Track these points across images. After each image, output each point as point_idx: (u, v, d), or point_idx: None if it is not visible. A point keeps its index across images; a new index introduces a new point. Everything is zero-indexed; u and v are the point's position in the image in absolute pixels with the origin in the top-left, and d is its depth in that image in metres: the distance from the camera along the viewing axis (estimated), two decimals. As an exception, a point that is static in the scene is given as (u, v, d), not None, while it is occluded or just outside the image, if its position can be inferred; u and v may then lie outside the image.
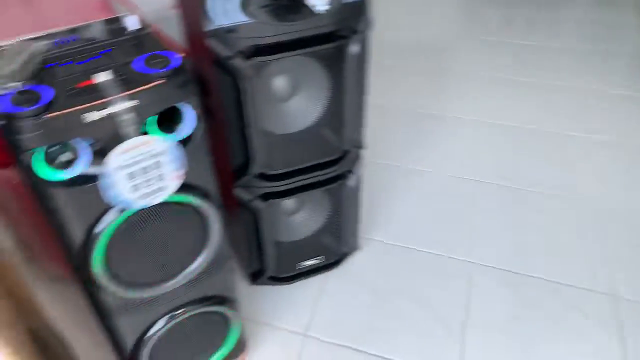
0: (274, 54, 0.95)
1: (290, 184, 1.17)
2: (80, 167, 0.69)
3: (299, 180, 1.18)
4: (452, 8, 3.06)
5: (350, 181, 1.26)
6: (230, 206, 1.21)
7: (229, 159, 1.12)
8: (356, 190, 1.31)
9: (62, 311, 1.29)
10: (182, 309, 0.96)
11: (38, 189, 0.69)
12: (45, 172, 0.68)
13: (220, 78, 0.98)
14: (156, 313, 0.94)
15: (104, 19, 0.79)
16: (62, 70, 0.69)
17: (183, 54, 0.73)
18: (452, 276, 1.43)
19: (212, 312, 1.02)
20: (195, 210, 0.85)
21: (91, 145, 0.69)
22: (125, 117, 0.68)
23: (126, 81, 0.68)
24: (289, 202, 1.26)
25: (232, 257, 1.02)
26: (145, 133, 0.71)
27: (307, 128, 1.10)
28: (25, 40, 0.73)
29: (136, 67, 0.70)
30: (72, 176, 0.69)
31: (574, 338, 1.27)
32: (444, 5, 3.07)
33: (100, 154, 0.69)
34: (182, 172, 0.78)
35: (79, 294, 1.25)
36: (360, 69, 1.08)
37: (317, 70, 1.03)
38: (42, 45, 0.72)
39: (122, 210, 0.76)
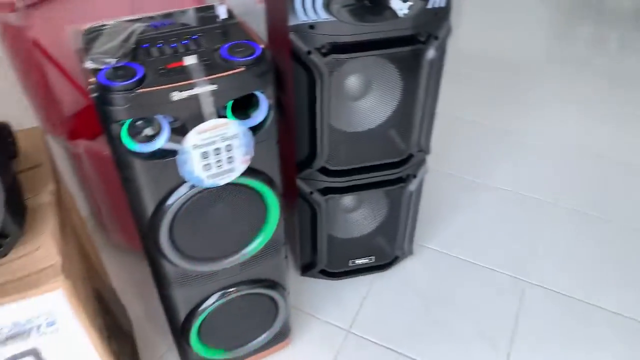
0: (351, 52, 0.97)
1: (351, 181, 1.19)
2: (161, 142, 0.74)
3: (360, 179, 1.19)
4: (542, 23, 2.95)
5: (412, 185, 1.26)
6: (289, 197, 1.24)
7: (294, 151, 1.15)
8: (416, 195, 1.31)
9: (123, 280, 1.39)
10: (235, 288, 1.01)
11: (121, 158, 0.75)
12: (129, 143, 0.74)
13: (297, 72, 1.01)
14: (210, 288, 0.99)
15: (197, 6, 0.85)
16: (155, 51, 0.75)
17: (264, 46, 0.77)
18: (503, 292, 1.40)
19: (262, 294, 1.06)
20: (257, 195, 0.89)
21: (172, 122, 0.74)
22: (206, 99, 0.72)
23: (210, 66, 0.72)
24: (347, 199, 1.28)
25: (287, 246, 1.05)
26: (222, 116, 0.76)
27: (374, 128, 1.11)
28: (125, 21, 0.80)
29: (221, 54, 0.74)
30: (152, 149, 0.75)
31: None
32: (534, 20, 2.97)
33: (179, 132, 0.74)
34: (250, 156, 0.81)
35: (140, 265, 1.34)
36: (434, 75, 1.07)
37: (392, 72, 1.03)
38: (140, 26, 0.78)
39: (192, 187, 0.81)
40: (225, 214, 0.88)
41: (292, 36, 0.96)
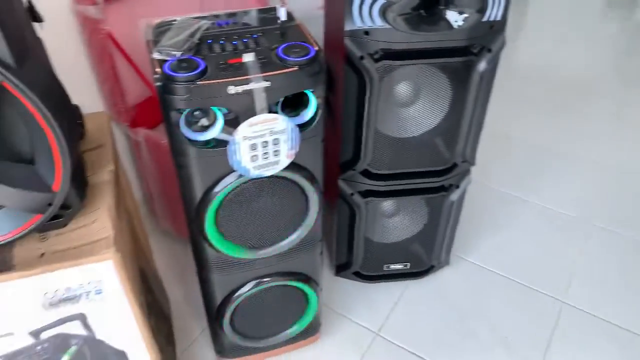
0: (403, 60, 0.99)
1: (392, 185, 1.20)
2: (215, 132, 0.79)
3: (402, 184, 1.21)
4: (609, 39, 2.85)
5: (453, 195, 1.26)
6: (330, 196, 1.27)
7: (338, 152, 1.18)
8: (457, 205, 1.30)
9: (167, 264, 1.46)
10: (270, 278, 1.04)
11: (178, 145, 0.81)
12: (186, 131, 0.79)
13: (348, 76, 1.04)
14: (247, 276, 1.03)
15: (259, 8, 0.89)
16: (217, 47, 0.80)
17: (318, 48, 0.80)
18: (539, 312, 1.37)
19: (295, 287, 1.10)
20: (299, 189, 0.93)
21: (226, 114, 0.78)
22: (260, 95, 0.76)
23: (266, 64, 0.76)
24: (387, 204, 1.29)
25: (323, 243, 1.08)
26: (272, 112, 0.80)
27: (420, 135, 1.12)
28: (193, 18, 0.85)
29: (277, 53, 0.78)
30: (206, 139, 0.79)
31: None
32: (601, 37, 2.86)
33: (231, 123, 0.79)
34: (295, 151, 0.85)
35: (184, 252, 1.41)
36: (484, 87, 1.08)
37: (442, 81, 1.04)
38: (205, 24, 0.83)
39: (239, 177, 0.85)
40: (266, 206, 0.92)
41: (347, 41, 0.99)
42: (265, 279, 1.05)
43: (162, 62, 0.75)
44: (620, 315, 1.36)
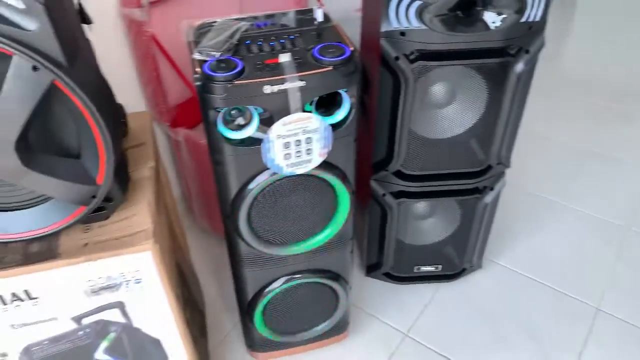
0: (439, 60, 0.99)
1: (425, 186, 1.20)
2: (250, 131, 0.81)
3: (435, 185, 1.20)
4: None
5: (487, 197, 1.24)
6: (362, 197, 1.28)
7: (370, 152, 1.19)
8: (491, 208, 1.29)
9: (202, 260, 1.50)
10: (300, 274, 1.06)
11: (215, 143, 0.83)
12: (223, 130, 0.81)
13: (384, 77, 1.04)
14: (278, 272, 1.05)
15: (297, 9, 0.91)
16: (255, 48, 0.82)
17: (353, 48, 0.81)
18: (572, 318, 1.34)
19: (325, 285, 1.11)
20: (330, 188, 0.94)
21: (261, 113, 0.80)
22: (294, 94, 0.78)
23: (301, 64, 0.78)
24: (420, 206, 1.29)
25: (353, 241, 1.09)
26: (306, 111, 0.81)
27: (454, 136, 1.11)
28: (232, 19, 0.88)
29: (313, 53, 0.80)
30: (242, 137, 0.82)
31: None
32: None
33: (266, 122, 0.81)
34: (327, 150, 0.86)
35: (219, 249, 1.44)
36: (521, 89, 1.06)
37: (478, 82, 1.04)
38: (244, 25, 0.86)
39: (272, 174, 0.87)
40: (298, 203, 0.93)
41: (383, 42, 0.99)
42: (295, 276, 1.06)
43: (202, 62, 0.77)
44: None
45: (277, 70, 0.77)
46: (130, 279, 0.84)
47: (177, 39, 0.95)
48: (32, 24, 0.61)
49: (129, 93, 1.36)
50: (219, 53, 0.78)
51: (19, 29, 0.61)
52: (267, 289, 1.07)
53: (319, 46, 0.81)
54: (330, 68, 0.78)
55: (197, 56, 0.79)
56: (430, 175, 1.18)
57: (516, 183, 1.74)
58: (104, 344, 0.91)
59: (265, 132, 0.81)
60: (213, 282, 1.46)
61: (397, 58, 1.00)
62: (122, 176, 0.86)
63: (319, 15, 0.86)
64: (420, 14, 0.95)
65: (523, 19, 0.96)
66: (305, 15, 0.91)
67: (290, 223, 0.96)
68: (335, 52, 0.79)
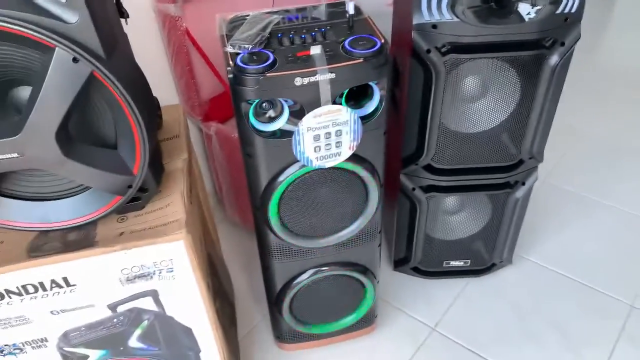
0: (471, 53, 0.98)
1: (455, 181, 1.19)
2: (281, 123, 0.82)
3: (465, 180, 1.19)
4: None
5: (519, 192, 1.22)
6: (391, 191, 1.27)
7: (400, 146, 1.18)
8: (523, 203, 1.26)
9: (233, 253, 1.53)
10: (328, 267, 1.07)
11: (246, 135, 0.84)
12: (255, 122, 0.82)
13: (415, 70, 1.03)
14: (306, 264, 1.06)
15: (328, 2, 0.91)
16: (286, 40, 0.82)
17: (383, 40, 0.81)
18: (605, 315, 1.31)
19: (353, 278, 1.11)
20: (360, 181, 0.94)
21: (291, 105, 0.81)
22: (325, 86, 0.78)
23: (332, 56, 0.78)
24: (449, 200, 1.28)
25: (382, 235, 1.09)
26: (336, 103, 0.81)
27: (486, 130, 1.10)
28: (264, 12, 0.89)
29: (344, 46, 0.80)
30: (273, 129, 0.83)
31: None
32: None
33: (296, 115, 0.81)
34: (357, 143, 0.86)
35: (249, 242, 1.46)
36: (556, 82, 1.04)
37: (511, 76, 1.02)
38: (276, 18, 0.87)
39: (302, 167, 0.88)
40: (327, 196, 0.94)
41: (414, 34, 0.99)
42: (323, 268, 1.07)
43: (234, 55, 0.79)
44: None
45: (308, 62, 0.77)
46: (163, 268, 0.86)
47: (210, 34, 0.96)
48: (73, 17, 0.63)
49: (162, 87, 1.39)
50: (251, 46, 0.79)
51: (61, 21, 0.63)
52: (295, 281, 1.08)
53: (349, 38, 0.81)
54: (361, 60, 0.78)
55: (229, 49, 0.80)
56: (461, 169, 1.17)
57: (549, 178, 1.70)
58: (137, 332, 0.94)
59: (295, 124, 0.81)
60: (243, 275, 1.48)
61: (428, 51, 0.99)
62: (157, 167, 0.88)
63: (350, 8, 0.86)
64: (452, 6, 0.94)
65: (558, 11, 0.94)
66: (336, 8, 0.91)
67: (319, 215, 0.97)
68: (366, 44, 0.79)
